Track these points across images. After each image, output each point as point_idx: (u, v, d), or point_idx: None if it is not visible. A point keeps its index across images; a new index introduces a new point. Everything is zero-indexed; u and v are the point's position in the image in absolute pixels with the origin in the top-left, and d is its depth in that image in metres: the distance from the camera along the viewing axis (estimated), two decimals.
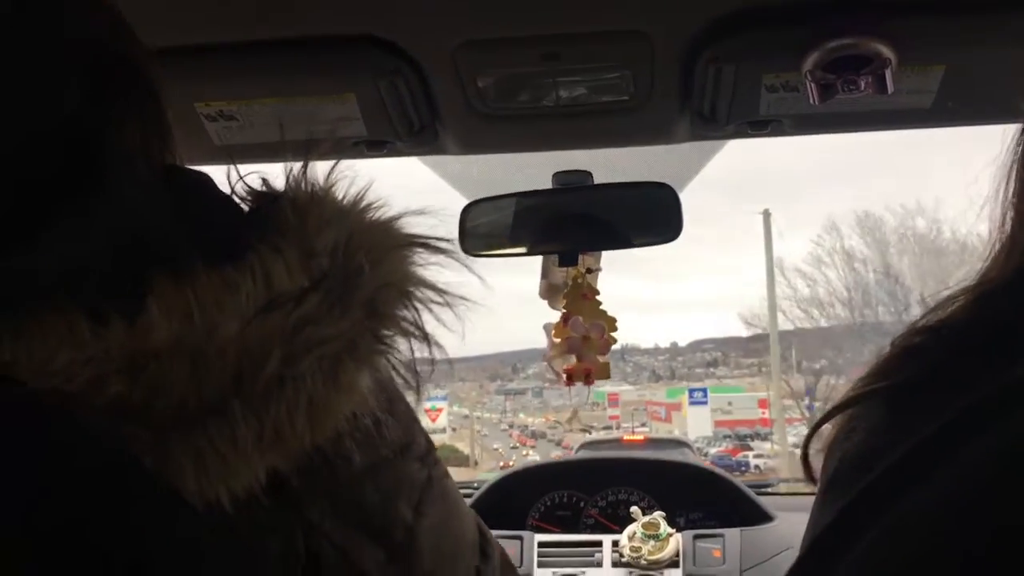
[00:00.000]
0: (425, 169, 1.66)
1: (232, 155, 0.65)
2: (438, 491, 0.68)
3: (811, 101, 1.04)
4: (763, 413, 43.13)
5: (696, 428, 42.14)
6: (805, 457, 0.65)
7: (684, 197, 1.49)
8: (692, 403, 43.53)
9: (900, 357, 0.59)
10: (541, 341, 1.64)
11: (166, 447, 0.48)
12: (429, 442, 0.72)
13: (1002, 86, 1.13)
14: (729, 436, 40.83)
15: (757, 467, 29.38)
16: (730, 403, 48.53)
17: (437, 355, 0.61)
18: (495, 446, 54.09)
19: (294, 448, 0.52)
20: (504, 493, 2.55)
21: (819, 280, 25.99)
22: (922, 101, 1.13)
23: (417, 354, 0.61)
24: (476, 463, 42.72)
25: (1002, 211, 0.61)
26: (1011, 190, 0.61)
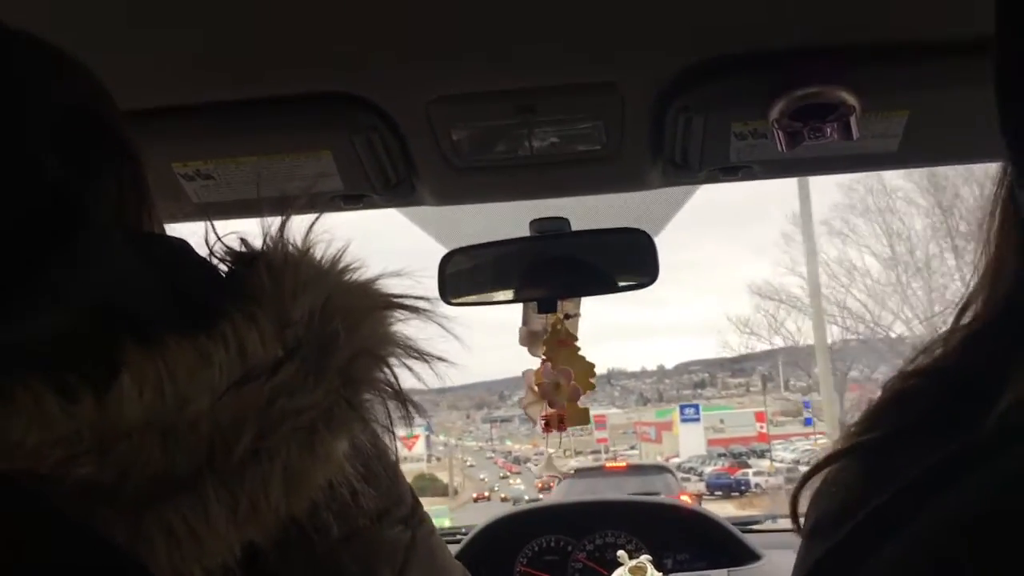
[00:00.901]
0: None
1: (211, 213, 0.65)
2: (423, 552, 0.68)
3: (779, 149, 1.06)
4: (760, 428, 41.77)
5: (689, 447, 40.70)
6: (794, 508, 0.64)
7: None
8: (684, 420, 42.02)
9: (890, 405, 0.59)
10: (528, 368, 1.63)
11: (137, 526, 0.47)
12: (415, 500, 0.71)
13: (965, 128, 1.15)
14: (724, 454, 39.40)
15: (758, 485, 28.01)
16: (722, 421, 47.43)
17: (414, 414, 0.62)
18: (481, 476, 53.55)
19: (269, 521, 0.51)
20: (490, 540, 2.53)
21: (849, 235, 20.86)
22: (888, 145, 1.16)
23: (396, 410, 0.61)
24: (456, 492, 42.10)
25: (983, 250, 0.62)
26: (993, 229, 0.61)
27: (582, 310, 1.66)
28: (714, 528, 2.48)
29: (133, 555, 0.47)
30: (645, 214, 1.70)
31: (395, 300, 0.62)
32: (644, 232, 1.48)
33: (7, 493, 0.45)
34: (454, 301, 1.55)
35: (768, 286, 26.40)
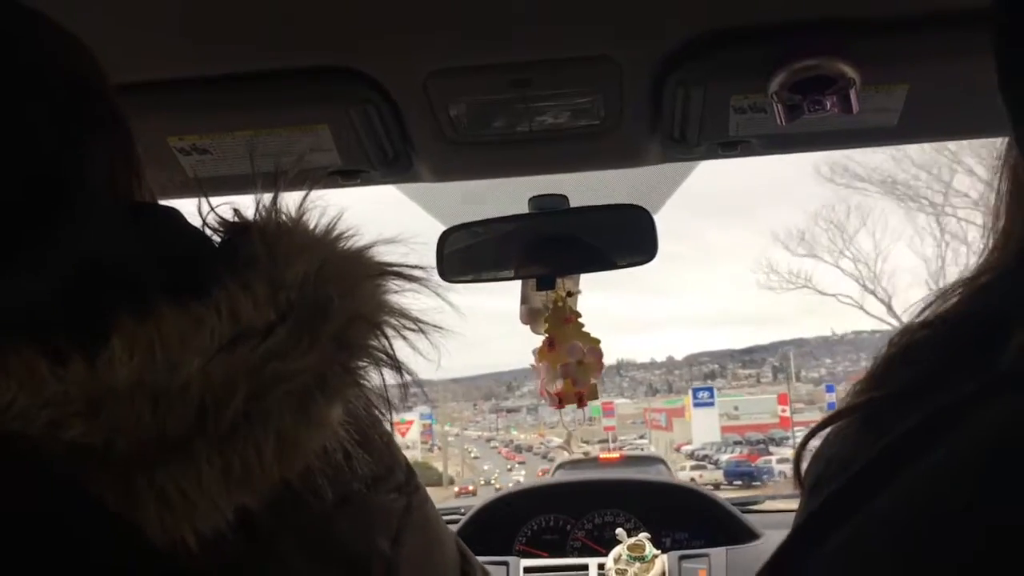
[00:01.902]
0: None
1: (207, 188, 0.64)
2: (418, 519, 0.68)
3: (778, 122, 1.06)
4: (783, 411, 39.90)
5: (702, 433, 39.21)
6: (797, 465, 0.64)
7: None
8: (697, 404, 40.88)
9: (896, 360, 0.58)
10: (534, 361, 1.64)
11: (129, 488, 0.47)
12: (409, 469, 0.72)
13: (965, 103, 1.15)
14: (740, 442, 37.94)
15: (783, 473, 25.12)
16: (736, 408, 46.45)
17: (411, 382, 0.62)
18: (485, 466, 53.00)
19: (262, 484, 0.51)
20: (490, 518, 2.54)
21: None
22: (888, 119, 1.15)
23: (392, 380, 0.61)
24: (451, 481, 41.15)
25: (995, 206, 0.62)
26: (1004, 186, 0.62)
27: (581, 288, 1.66)
28: (712, 507, 2.49)
29: (124, 516, 0.47)
30: (644, 192, 1.69)
31: (389, 268, 0.61)
32: (643, 209, 1.48)
33: None
34: (453, 279, 1.54)
35: (854, 165, 17.32)
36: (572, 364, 1.56)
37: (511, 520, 2.55)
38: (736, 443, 37.94)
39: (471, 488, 35.20)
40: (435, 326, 0.62)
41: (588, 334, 1.60)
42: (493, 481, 40.45)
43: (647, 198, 1.58)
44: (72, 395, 0.47)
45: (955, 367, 0.51)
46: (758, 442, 37.64)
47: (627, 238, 1.53)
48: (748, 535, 2.34)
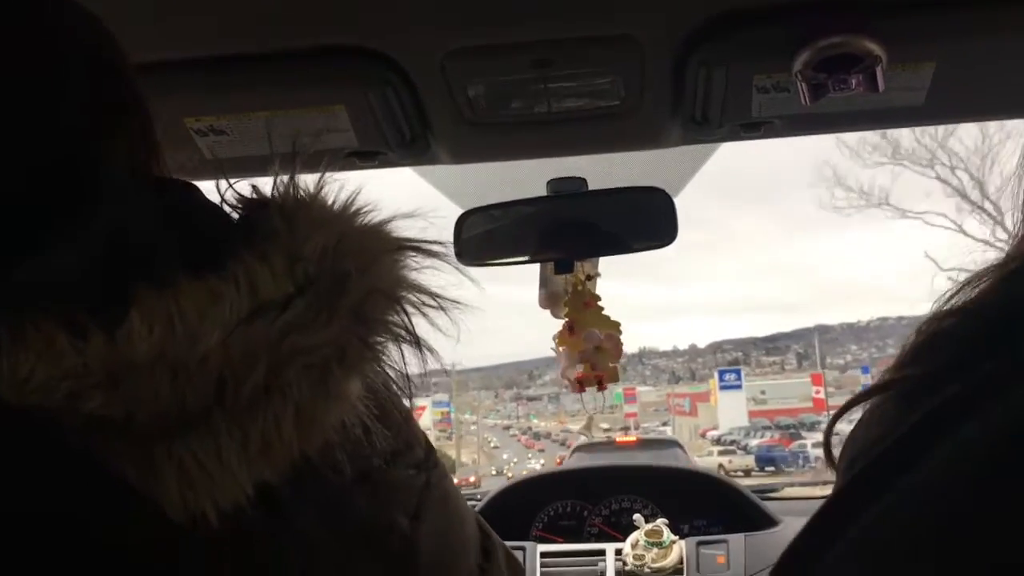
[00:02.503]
0: None
1: (224, 168, 0.64)
2: (437, 495, 0.68)
3: (803, 101, 1.04)
4: (816, 392, 38.25)
5: (729, 417, 37.96)
6: (827, 445, 0.64)
7: None
8: (723, 387, 39.42)
9: (924, 346, 0.58)
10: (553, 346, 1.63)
11: (148, 461, 0.47)
12: (428, 445, 0.71)
13: (993, 82, 1.13)
14: (769, 427, 36.27)
15: (818, 458, 21.06)
16: (763, 392, 45.32)
17: (431, 360, 0.61)
18: (504, 455, 52.83)
19: (282, 459, 0.51)
20: (507, 503, 2.54)
21: None
22: (914, 98, 1.13)
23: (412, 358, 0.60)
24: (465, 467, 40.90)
25: None
26: None
27: (600, 271, 1.65)
28: (731, 493, 2.48)
29: (144, 491, 0.47)
30: (664, 175, 1.68)
31: (408, 243, 0.61)
32: (663, 191, 1.46)
33: (13, 426, 0.45)
34: (470, 262, 1.53)
35: None
36: (590, 350, 1.55)
37: (528, 505, 2.55)
38: (765, 428, 36.59)
39: (472, 479, 31.19)
40: (454, 302, 0.61)
41: (608, 318, 1.59)
42: (507, 471, 39.18)
43: (667, 180, 1.56)
44: (91, 368, 0.47)
45: (985, 353, 0.51)
46: (789, 427, 36.40)
47: (646, 221, 1.51)
48: (767, 521, 2.33)
